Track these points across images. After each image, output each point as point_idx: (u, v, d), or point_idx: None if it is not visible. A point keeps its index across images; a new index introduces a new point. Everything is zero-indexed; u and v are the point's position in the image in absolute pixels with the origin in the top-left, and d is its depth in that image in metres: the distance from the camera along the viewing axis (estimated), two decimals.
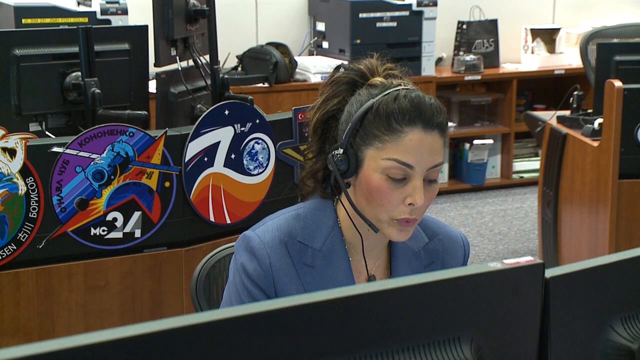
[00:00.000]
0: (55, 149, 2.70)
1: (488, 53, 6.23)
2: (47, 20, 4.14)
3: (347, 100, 1.70)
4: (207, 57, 3.38)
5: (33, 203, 2.69)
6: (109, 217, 2.80)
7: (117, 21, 4.43)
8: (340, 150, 1.66)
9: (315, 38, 5.97)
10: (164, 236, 2.90)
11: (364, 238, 1.72)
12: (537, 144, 6.11)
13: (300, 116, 3.12)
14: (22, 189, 2.67)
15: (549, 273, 1.17)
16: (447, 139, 1.69)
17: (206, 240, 2.98)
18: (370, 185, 1.64)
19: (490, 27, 6.25)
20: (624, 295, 1.26)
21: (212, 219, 2.96)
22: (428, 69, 5.82)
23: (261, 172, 3.05)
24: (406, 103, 1.63)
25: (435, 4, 5.73)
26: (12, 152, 2.65)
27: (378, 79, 1.70)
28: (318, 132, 1.74)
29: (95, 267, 2.82)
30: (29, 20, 4.11)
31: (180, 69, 3.29)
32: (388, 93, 1.65)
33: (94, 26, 3.10)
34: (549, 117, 4.41)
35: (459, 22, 6.25)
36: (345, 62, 1.80)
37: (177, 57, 3.30)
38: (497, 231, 5.39)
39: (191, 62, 3.41)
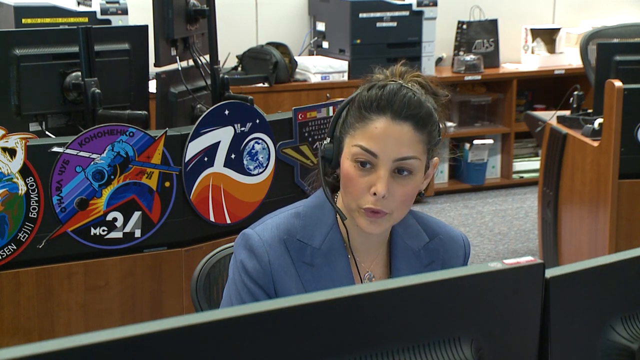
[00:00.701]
0: (55, 149, 2.70)
1: (488, 53, 6.23)
2: (47, 20, 4.14)
3: None
4: (207, 57, 3.38)
5: (33, 203, 2.69)
6: (109, 217, 2.80)
7: (117, 21, 4.43)
8: (327, 140, 1.71)
9: (315, 38, 5.97)
10: (164, 236, 2.90)
11: (351, 235, 1.73)
12: (537, 144, 6.12)
13: (301, 116, 3.12)
14: (22, 189, 2.67)
15: (549, 273, 1.17)
16: (434, 138, 1.67)
17: (206, 240, 2.98)
18: (343, 172, 1.68)
19: (490, 27, 6.25)
20: (624, 295, 1.26)
21: (212, 219, 2.96)
22: (428, 69, 5.82)
23: (261, 172, 3.05)
24: (378, 92, 1.65)
25: (435, 4, 5.73)
26: (12, 152, 2.65)
27: (379, 76, 1.71)
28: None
29: (95, 267, 2.82)
30: (29, 20, 4.11)
31: (180, 69, 3.29)
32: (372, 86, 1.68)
33: (94, 26, 3.10)
34: (549, 117, 4.41)
35: (459, 22, 6.25)
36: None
37: (177, 57, 3.29)
38: (497, 231, 5.39)
39: (191, 62, 3.41)
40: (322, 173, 1.71)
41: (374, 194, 1.63)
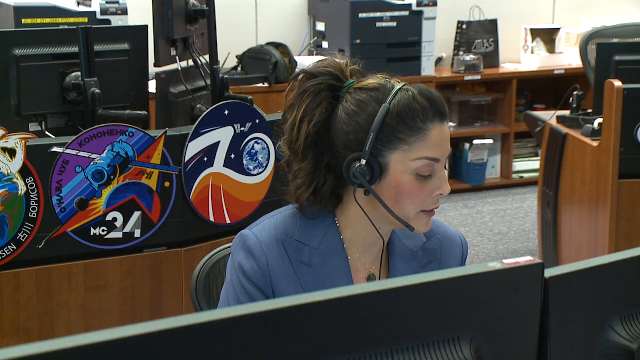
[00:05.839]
0: (55, 149, 2.70)
1: (488, 53, 6.23)
2: (47, 21, 4.14)
3: (334, 106, 1.68)
4: (207, 57, 3.38)
5: (33, 203, 2.69)
6: (109, 217, 2.80)
7: (117, 21, 4.43)
8: (364, 162, 1.63)
9: (315, 38, 5.97)
10: (164, 236, 2.90)
11: (350, 235, 1.72)
12: (537, 144, 6.11)
13: None
14: (22, 189, 2.67)
15: (549, 273, 1.17)
16: None
17: (206, 240, 2.98)
18: (401, 188, 1.64)
19: (490, 27, 6.25)
20: (624, 295, 1.26)
21: (212, 219, 2.96)
22: (428, 69, 5.82)
23: (261, 172, 3.05)
24: (424, 101, 1.64)
25: (435, 4, 5.73)
26: (12, 152, 2.65)
27: (372, 82, 1.68)
28: (312, 146, 1.68)
29: (95, 267, 2.82)
30: (29, 20, 4.12)
31: (180, 69, 3.29)
32: (395, 94, 1.64)
33: (93, 26, 3.10)
34: (549, 117, 4.41)
35: (459, 22, 6.25)
36: (304, 68, 1.74)
37: (177, 57, 3.29)
38: (497, 231, 5.39)
39: (191, 62, 3.41)
40: (379, 199, 1.64)
41: (440, 195, 1.65)
